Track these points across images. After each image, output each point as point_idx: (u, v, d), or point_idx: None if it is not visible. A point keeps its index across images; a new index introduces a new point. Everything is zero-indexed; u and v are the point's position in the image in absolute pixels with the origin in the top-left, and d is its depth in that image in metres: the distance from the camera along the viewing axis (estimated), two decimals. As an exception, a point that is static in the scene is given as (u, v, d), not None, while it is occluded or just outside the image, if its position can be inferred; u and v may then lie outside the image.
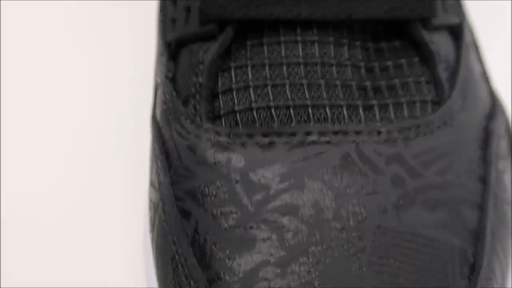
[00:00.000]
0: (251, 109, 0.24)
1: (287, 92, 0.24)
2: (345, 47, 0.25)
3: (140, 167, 0.29)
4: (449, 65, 0.26)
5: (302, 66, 0.25)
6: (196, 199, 0.24)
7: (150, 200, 0.26)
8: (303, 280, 0.21)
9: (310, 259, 0.22)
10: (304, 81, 0.25)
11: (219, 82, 0.25)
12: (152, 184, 0.26)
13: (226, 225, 0.23)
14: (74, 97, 0.33)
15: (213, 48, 0.25)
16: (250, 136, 0.24)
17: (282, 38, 0.25)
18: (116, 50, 0.34)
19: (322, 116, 0.24)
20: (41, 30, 0.35)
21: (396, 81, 0.25)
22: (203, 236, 0.23)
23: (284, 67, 0.25)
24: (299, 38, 0.25)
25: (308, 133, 0.24)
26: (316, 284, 0.21)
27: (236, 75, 0.25)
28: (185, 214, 0.24)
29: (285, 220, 0.22)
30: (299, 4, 0.25)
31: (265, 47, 0.25)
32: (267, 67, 0.25)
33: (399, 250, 0.22)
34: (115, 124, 0.32)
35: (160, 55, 0.28)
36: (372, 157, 0.23)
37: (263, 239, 0.22)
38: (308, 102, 0.24)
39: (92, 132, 0.32)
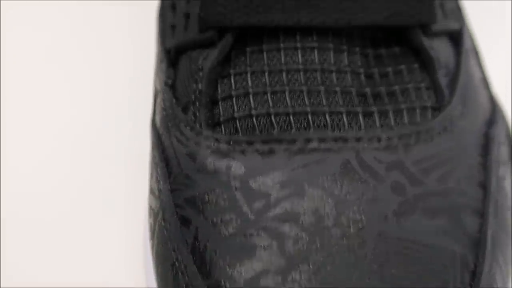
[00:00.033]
0: (251, 116, 0.24)
1: (287, 99, 0.24)
2: (345, 54, 0.25)
3: (140, 173, 0.29)
4: (449, 71, 0.26)
5: (301, 73, 0.25)
6: (196, 207, 0.23)
7: (150, 207, 0.25)
8: (303, 288, 0.21)
9: (311, 267, 0.22)
10: (304, 88, 0.24)
11: (219, 89, 0.25)
12: (152, 191, 0.26)
13: (226, 233, 0.23)
14: (74, 102, 0.33)
15: (212, 55, 0.25)
16: (250, 143, 0.24)
17: (281, 45, 0.25)
18: (116, 56, 0.34)
19: (322, 123, 0.24)
20: (41, 34, 0.35)
21: (396, 87, 0.25)
22: (203, 244, 0.23)
23: (284, 74, 0.25)
24: (298, 45, 0.25)
25: (308, 140, 0.24)
26: (317, 291, 0.21)
27: (235, 82, 0.25)
28: (185, 221, 0.24)
29: (285, 228, 0.22)
30: (298, 11, 0.25)
31: (264, 53, 0.25)
32: (266, 74, 0.25)
33: (400, 258, 0.22)
34: (115, 129, 0.32)
35: (159, 61, 0.28)
36: (372, 164, 0.23)
37: (264, 246, 0.22)
38: (308, 109, 0.24)
39: (92, 136, 0.32)
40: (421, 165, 0.24)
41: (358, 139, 0.24)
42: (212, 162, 0.24)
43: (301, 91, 0.24)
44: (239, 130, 0.24)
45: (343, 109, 0.24)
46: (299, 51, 0.25)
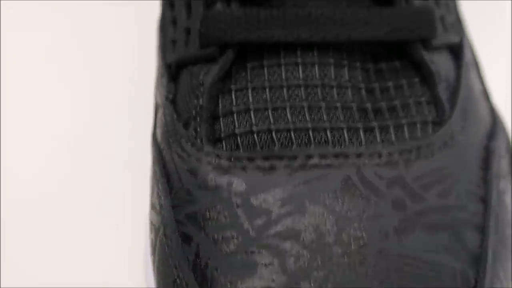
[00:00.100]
0: (252, 132, 0.24)
1: (288, 114, 0.24)
2: (345, 69, 0.25)
3: (140, 182, 0.29)
4: (450, 85, 0.26)
5: (302, 88, 0.25)
6: (197, 223, 0.24)
7: (151, 223, 0.25)
8: (305, 305, 0.21)
9: (312, 284, 0.22)
10: (305, 104, 0.25)
11: (220, 104, 0.25)
12: (153, 206, 0.26)
13: (227, 250, 0.23)
14: (73, 108, 0.33)
15: (213, 71, 0.25)
16: (251, 159, 0.24)
17: (282, 61, 0.25)
18: (117, 63, 0.34)
19: (322, 139, 0.24)
20: (41, 35, 0.35)
21: (397, 102, 0.25)
22: (205, 261, 0.23)
23: (285, 90, 0.25)
24: (299, 60, 0.25)
25: (309, 157, 0.24)
26: (318, 309, 0.21)
27: (236, 98, 0.25)
28: (186, 238, 0.24)
29: (286, 245, 0.22)
30: (298, 27, 0.25)
31: (265, 69, 0.25)
32: (267, 90, 0.25)
33: (400, 274, 0.22)
34: (116, 143, 0.32)
35: (160, 76, 0.28)
36: (373, 180, 0.23)
37: (265, 264, 0.22)
38: (309, 125, 0.24)
39: (92, 145, 0.32)
40: (421, 181, 0.24)
41: (359, 155, 0.24)
42: (213, 178, 0.24)
43: (302, 107, 0.24)
44: (240, 146, 0.24)
45: (344, 124, 0.24)
46: (300, 67, 0.25)
